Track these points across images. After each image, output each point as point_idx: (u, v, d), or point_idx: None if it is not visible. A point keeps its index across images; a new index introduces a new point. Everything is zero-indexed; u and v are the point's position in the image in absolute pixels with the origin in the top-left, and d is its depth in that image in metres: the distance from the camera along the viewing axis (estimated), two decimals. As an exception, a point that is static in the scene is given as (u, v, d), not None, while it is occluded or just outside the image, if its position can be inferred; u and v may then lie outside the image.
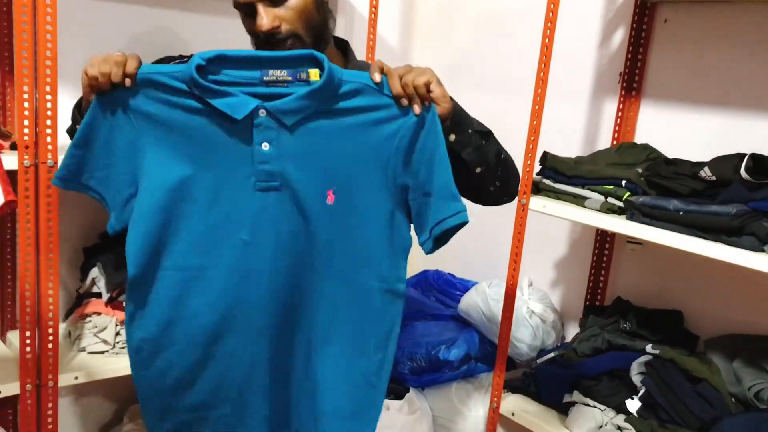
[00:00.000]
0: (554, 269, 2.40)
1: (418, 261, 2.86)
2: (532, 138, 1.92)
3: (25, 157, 1.75)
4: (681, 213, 1.62)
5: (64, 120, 1.96)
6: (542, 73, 1.88)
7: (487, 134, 1.41)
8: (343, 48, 1.52)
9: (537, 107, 1.90)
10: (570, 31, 2.17)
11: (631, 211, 1.73)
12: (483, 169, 1.39)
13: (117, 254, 2.14)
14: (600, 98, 2.22)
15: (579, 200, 1.87)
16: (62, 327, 2.13)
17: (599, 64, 2.21)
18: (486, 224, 2.59)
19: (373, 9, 2.34)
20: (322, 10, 1.39)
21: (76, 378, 1.93)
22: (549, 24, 1.85)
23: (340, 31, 2.60)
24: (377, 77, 1.23)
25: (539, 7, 1.97)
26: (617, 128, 2.13)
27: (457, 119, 1.34)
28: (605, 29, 2.19)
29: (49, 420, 1.88)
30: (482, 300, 2.32)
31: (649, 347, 1.89)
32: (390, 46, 2.76)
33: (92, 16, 2.14)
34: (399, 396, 2.20)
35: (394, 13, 2.75)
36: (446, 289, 2.56)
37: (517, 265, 2.01)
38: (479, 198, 1.47)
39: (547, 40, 1.86)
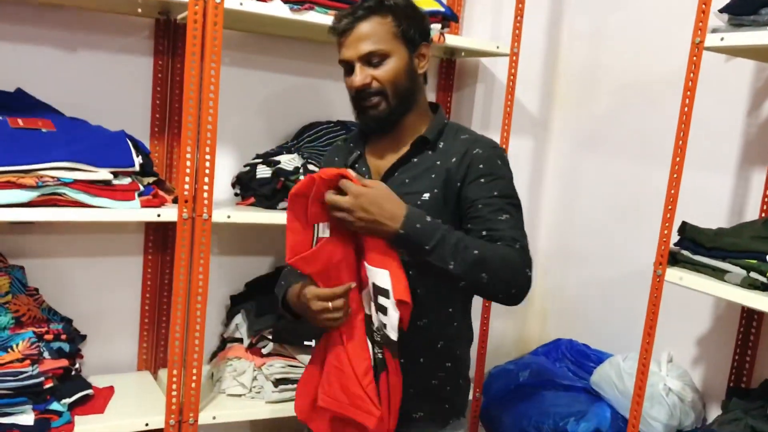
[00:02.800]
0: (696, 346, 2.27)
1: (551, 329, 2.81)
2: (669, 207, 1.86)
3: (184, 210, 1.94)
4: (831, 292, 1.51)
5: (221, 178, 2.17)
6: (680, 141, 1.83)
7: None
8: (434, 109, 1.69)
9: (675, 176, 1.85)
10: (717, 98, 2.11)
11: (775, 288, 1.63)
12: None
13: (259, 302, 2.29)
14: (748, 168, 2.12)
15: (718, 273, 1.78)
16: (206, 368, 2.29)
17: (747, 132, 2.12)
18: (622, 295, 2.52)
19: (512, 77, 2.40)
20: (412, 80, 1.59)
21: (214, 418, 2.07)
22: (688, 93, 1.81)
23: (479, 98, 2.69)
24: None
25: (683, 75, 1.93)
26: (766, 200, 2.02)
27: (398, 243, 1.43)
28: (755, 97, 2.10)
29: (188, 455, 2.02)
30: (616, 373, 2.23)
31: (797, 437, 1.75)
32: (529, 113, 2.79)
33: (247, 84, 2.36)
34: (523, 465, 2.15)
35: (535, 80, 2.78)
36: (579, 359, 2.48)
37: (651, 338, 1.93)
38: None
39: (686, 108, 1.82)
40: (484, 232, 1.48)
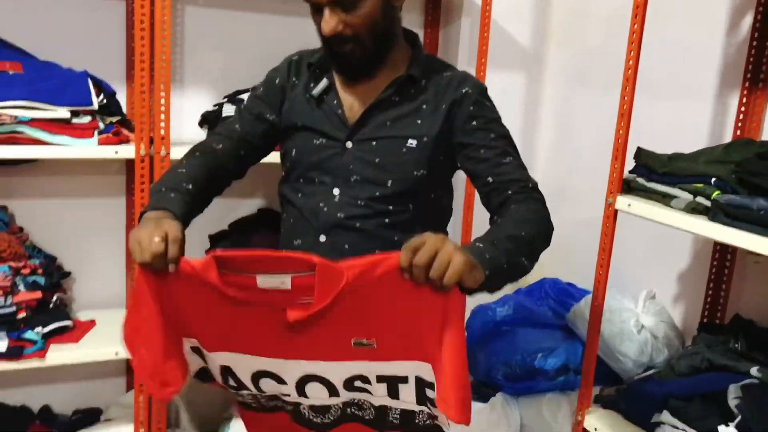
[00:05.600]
0: (677, 283, 2.18)
1: (544, 271, 2.74)
2: (621, 132, 1.78)
3: (142, 147, 1.99)
4: (762, 213, 1.42)
5: (177, 116, 2.19)
6: (630, 62, 1.74)
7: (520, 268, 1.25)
8: (412, 40, 1.50)
9: (626, 98, 1.76)
10: (690, 21, 1.99)
11: (713, 212, 1.54)
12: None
13: (235, 241, 2.33)
14: (724, 93, 1.99)
15: (666, 199, 1.70)
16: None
17: (724, 54, 1.99)
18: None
19: (487, 6, 2.33)
20: (389, 17, 1.38)
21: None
22: (637, 7, 1.71)
23: (465, 33, 2.62)
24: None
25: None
26: (739, 125, 1.90)
27: (488, 284, 1.16)
28: (732, 17, 1.96)
29: None
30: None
31: (754, 370, 1.66)
32: (523, 48, 2.70)
33: (231, 26, 2.37)
34: (485, 398, 2.13)
35: (527, 15, 2.69)
36: (563, 298, 2.42)
37: (604, 270, 1.87)
38: None
39: (635, 26, 1.72)
40: (490, 179, 1.36)
